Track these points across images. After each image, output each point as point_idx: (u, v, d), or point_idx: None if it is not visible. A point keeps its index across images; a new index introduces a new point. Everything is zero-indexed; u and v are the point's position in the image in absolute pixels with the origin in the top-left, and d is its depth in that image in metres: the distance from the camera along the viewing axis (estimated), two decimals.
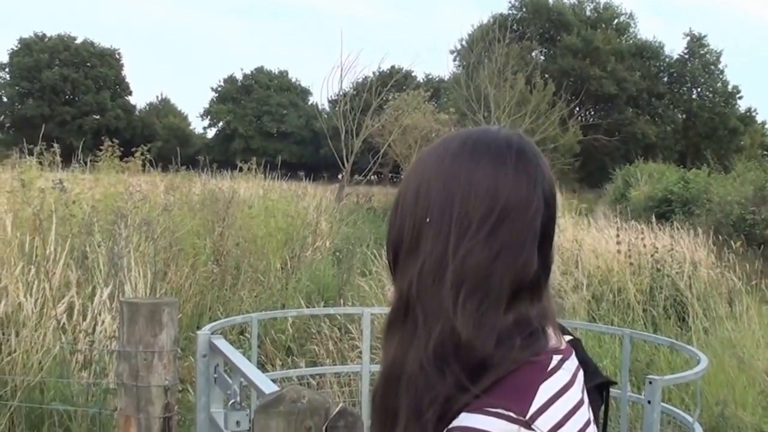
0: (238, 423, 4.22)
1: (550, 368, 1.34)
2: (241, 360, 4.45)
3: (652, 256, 12.91)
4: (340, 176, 34.54)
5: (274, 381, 4.19)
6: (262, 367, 8.13)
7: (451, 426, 1.27)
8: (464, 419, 1.26)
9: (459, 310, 1.31)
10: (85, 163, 14.10)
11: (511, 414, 1.25)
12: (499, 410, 1.25)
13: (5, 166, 11.44)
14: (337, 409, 2.64)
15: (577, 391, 1.38)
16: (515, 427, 1.24)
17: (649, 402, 4.70)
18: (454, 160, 1.38)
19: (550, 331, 1.39)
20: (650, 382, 4.65)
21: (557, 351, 1.38)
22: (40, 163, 11.45)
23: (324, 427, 2.62)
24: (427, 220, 1.35)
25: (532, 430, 1.25)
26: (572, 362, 1.41)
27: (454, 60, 62.25)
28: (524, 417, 1.25)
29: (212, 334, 5.07)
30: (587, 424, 1.37)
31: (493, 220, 1.33)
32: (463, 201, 1.34)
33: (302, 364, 8.54)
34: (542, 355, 1.35)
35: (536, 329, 1.36)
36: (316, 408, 2.90)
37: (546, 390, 1.31)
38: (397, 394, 1.34)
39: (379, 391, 1.40)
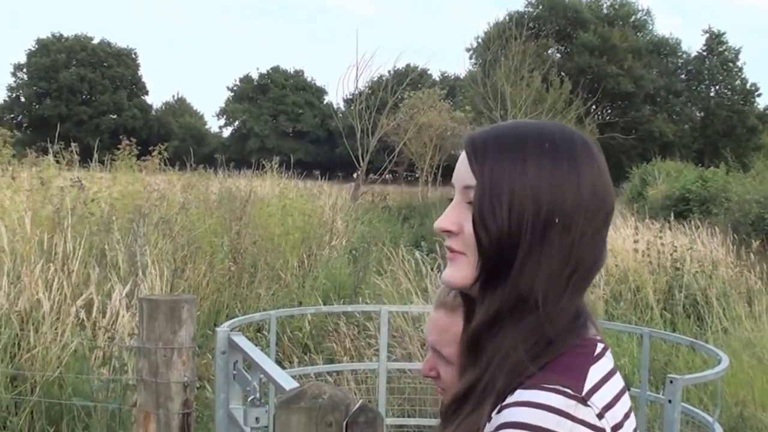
0: (257, 419, 4.23)
1: (596, 353, 1.40)
2: (260, 356, 4.46)
3: (671, 255, 12.86)
4: (355, 175, 34.52)
5: (294, 377, 4.20)
6: (279, 364, 8.14)
7: (506, 402, 1.30)
8: (521, 395, 1.29)
9: (567, 299, 1.39)
10: (103, 163, 14.14)
11: (568, 390, 1.29)
12: (556, 387, 1.29)
13: (24, 165, 11.48)
14: (358, 405, 2.64)
15: (620, 379, 1.43)
16: (573, 402, 1.28)
17: (669, 401, 4.68)
18: (574, 164, 1.42)
19: (589, 321, 1.45)
20: (671, 381, 4.63)
21: (599, 340, 1.44)
22: (58, 162, 11.49)
23: (344, 423, 2.62)
24: (556, 221, 1.38)
25: (588, 406, 1.29)
26: (610, 352, 1.46)
27: (470, 58, 62.21)
28: (581, 394, 1.30)
29: (231, 331, 5.07)
30: (630, 410, 1.42)
31: (603, 218, 1.44)
32: (589, 202, 1.40)
33: (319, 362, 8.54)
34: (587, 341, 1.42)
35: (585, 317, 1.44)
36: (336, 404, 2.89)
37: (595, 372, 1.36)
38: (494, 385, 1.37)
39: (479, 388, 1.40)
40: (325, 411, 2.86)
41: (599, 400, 1.32)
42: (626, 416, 1.38)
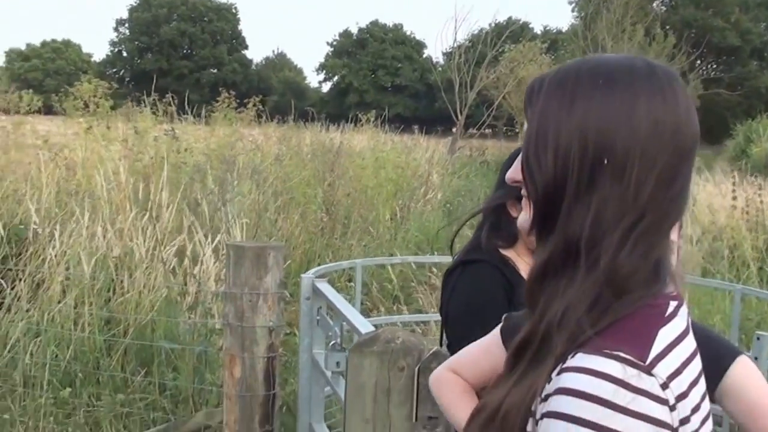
0: (338, 364, 4.27)
1: (667, 314, 1.31)
2: (342, 303, 4.51)
3: None
4: (454, 129, 34.43)
5: (378, 326, 4.24)
6: (367, 313, 8.21)
7: (566, 365, 1.23)
8: (581, 360, 1.22)
9: (629, 252, 1.26)
10: (199, 115, 14.38)
11: (631, 358, 1.20)
12: (618, 353, 1.20)
13: (120, 117, 11.72)
14: (432, 351, 2.65)
15: (692, 341, 1.35)
16: (635, 371, 1.19)
17: (756, 358, 4.61)
18: (630, 96, 1.29)
19: (668, 277, 1.34)
20: (758, 338, 4.55)
21: (673, 297, 1.35)
22: (154, 113, 11.73)
23: (417, 368, 2.63)
24: (605, 161, 1.27)
25: (652, 376, 1.20)
26: (685, 309, 1.37)
27: (572, 11, 61.34)
28: (644, 362, 1.21)
29: (316, 278, 5.14)
30: (700, 374, 1.34)
31: (672, 160, 1.29)
32: (648, 141, 1.26)
33: (406, 312, 8.56)
34: (660, 299, 1.32)
35: (664, 273, 1.33)
36: (409, 349, 2.90)
37: (664, 336, 1.27)
38: (553, 341, 1.29)
39: (534, 341, 1.33)
40: (398, 356, 2.87)
41: (664, 368, 1.23)
42: (693, 383, 1.29)
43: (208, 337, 6.33)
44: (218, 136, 12.73)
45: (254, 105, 14.95)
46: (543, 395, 1.25)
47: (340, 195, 11.96)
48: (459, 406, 1.79)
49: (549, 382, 1.24)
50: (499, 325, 1.78)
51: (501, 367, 1.50)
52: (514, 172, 1.49)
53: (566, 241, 1.30)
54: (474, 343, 1.89)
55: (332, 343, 4.41)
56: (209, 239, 7.67)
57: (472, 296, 2.58)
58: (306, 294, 5.01)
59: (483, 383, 1.77)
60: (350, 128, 21.03)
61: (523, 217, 1.43)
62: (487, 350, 1.79)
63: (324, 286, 4.93)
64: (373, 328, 3.68)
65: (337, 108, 69.08)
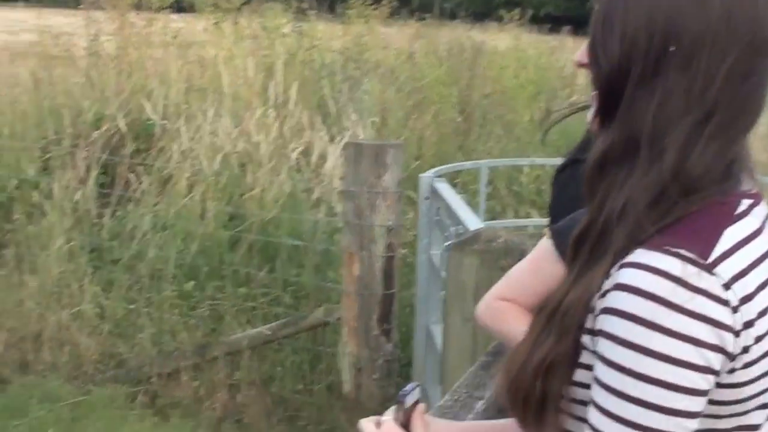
0: None
1: (737, 212, 1.24)
2: (458, 203, 4.43)
3: None
4: None
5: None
6: (496, 216, 8.08)
7: (625, 260, 1.18)
8: (640, 256, 1.17)
9: (702, 150, 1.21)
10: (334, 12, 14.30)
11: (692, 256, 1.15)
12: (679, 251, 1.15)
13: (252, 13, 11.73)
14: None
15: (764, 242, 1.26)
16: (695, 270, 1.14)
17: None
18: None
19: (743, 174, 1.28)
20: None
21: (747, 195, 1.27)
22: (286, 10, 11.67)
23: None
24: (671, 48, 1.20)
25: (713, 275, 1.15)
26: (762, 209, 1.30)
27: None
28: (705, 260, 1.16)
29: (436, 177, 5.08)
30: None
31: (752, 53, 1.22)
32: (720, 30, 1.20)
33: (535, 216, 8.39)
34: (732, 197, 1.25)
35: (739, 170, 1.27)
36: (510, 249, 2.80)
37: (731, 236, 1.21)
38: (612, 235, 1.24)
39: (593, 233, 1.28)
40: (498, 255, 2.78)
41: (728, 268, 1.17)
42: (762, 286, 1.21)
43: (331, 235, 6.35)
44: (351, 33, 12.61)
45: (390, 1, 14.72)
46: (602, 291, 1.22)
47: (477, 96, 11.72)
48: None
49: (608, 278, 1.21)
50: (542, 243, 1.80)
51: (556, 284, 1.42)
52: (581, 55, 1.37)
53: (628, 131, 1.24)
54: (517, 267, 1.90)
55: (446, 244, 4.33)
56: (338, 138, 7.65)
57: (578, 197, 2.43)
58: (425, 194, 4.97)
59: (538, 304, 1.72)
60: (494, 27, 20.63)
61: (593, 110, 1.34)
62: (536, 270, 1.80)
63: (442, 186, 4.87)
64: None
65: (485, 6, 67.90)
